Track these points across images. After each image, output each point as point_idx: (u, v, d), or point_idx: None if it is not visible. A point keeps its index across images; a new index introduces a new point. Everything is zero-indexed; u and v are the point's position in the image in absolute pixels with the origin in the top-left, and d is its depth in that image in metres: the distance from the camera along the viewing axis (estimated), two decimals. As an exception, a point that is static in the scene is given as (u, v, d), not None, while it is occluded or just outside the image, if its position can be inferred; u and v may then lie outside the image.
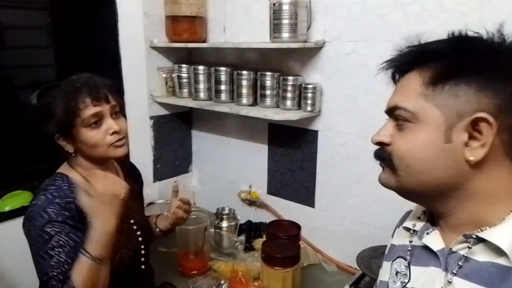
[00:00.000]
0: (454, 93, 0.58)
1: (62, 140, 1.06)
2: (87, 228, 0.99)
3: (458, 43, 0.62)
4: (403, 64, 0.66)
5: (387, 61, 0.69)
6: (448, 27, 0.67)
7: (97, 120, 1.04)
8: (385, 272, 0.78)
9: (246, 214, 1.83)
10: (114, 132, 1.06)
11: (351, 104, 1.47)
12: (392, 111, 0.65)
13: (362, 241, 1.47)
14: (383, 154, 0.66)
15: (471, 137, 0.58)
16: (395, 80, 0.70)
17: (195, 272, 1.51)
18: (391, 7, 1.30)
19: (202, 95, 1.77)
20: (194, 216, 1.61)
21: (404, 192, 0.66)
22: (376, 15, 1.34)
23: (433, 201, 0.65)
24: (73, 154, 1.08)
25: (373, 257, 1.37)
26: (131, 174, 1.32)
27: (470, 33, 0.63)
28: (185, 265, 1.53)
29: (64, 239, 0.98)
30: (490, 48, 0.60)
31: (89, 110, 1.02)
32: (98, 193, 0.97)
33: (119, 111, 1.11)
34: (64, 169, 1.12)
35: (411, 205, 0.85)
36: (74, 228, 1.01)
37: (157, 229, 1.35)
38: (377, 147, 0.69)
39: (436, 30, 0.68)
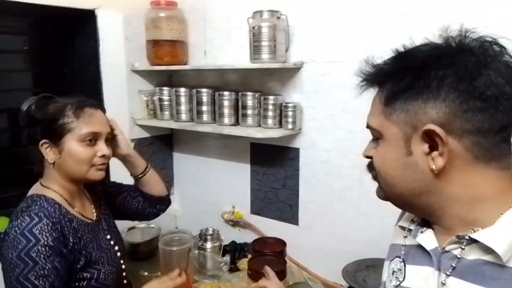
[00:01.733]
0: (405, 108, 0.61)
1: (47, 146, 1.05)
2: (69, 252, 1.00)
3: (400, 60, 0.65)
4: (370, 84, 0.68)
5: (361, 81, 0.71)
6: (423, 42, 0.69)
7: (92, 139, 1.07)
8: (385, 272, 0.79)
9: (230, 235, 1.82)
10: (103, 156, 1.08)
11: (330, 122, 1.52)
12: (369, 128, 0.69)
13: (346, 257, 1.48)
14: (372, 166, 0.69)
15: (432, 147, 0.59)
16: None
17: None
18: (365, 30, 1.38)
19: (183, 116, 1.78)
20: (178, 238, 1.59)
21: (392, 202, 0.69)
22: (350, 37, 1.41)
23: (418, 210, 0.68)
24: (51, 165, 1.06)
25: (357, 270, 1.38)
26: (100, 196, 1.28)
27: (413, 45, 0.66)
28: None
29: (48, 267, 0.95)
30: (434, 58, 0.60)
31: (91, 127, 1.06)
32: None
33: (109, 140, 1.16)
34: (37, 189, 1.08)
35: (392, 219, 0.88)
36: (59, 255, 0.98)
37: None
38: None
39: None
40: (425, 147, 0.59)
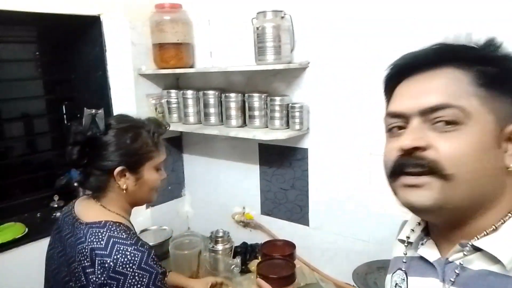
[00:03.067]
0: (508, 99, 0.58)
1: (125, 173, 1.03)
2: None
3: (499, 49, 0.59)
4: (430, 60, 0.60)
5: (421, 53, 0.62)
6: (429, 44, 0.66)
7: (162, 166, 1.11)
8: (387, 285, 0.78)
9: (241, 236, 1.82)
10: (163, 179, 1.14)
11: (338, 122, 1.49)
12: (433, 111, 0.57)
13: (357, 257, 1.47)
14: (424, 162, 0.57)
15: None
16: (391, 83, 0.66)
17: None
18: (370, 29, 1.34)
19: (191, 119, 1.79)
20: (188, 241, 1.60)
21: (444, 209, 0.58)
22: (356, 36, 1.38)
23: (461, 217, 0.59)
24: (124, 191, 1.05)
25: (368, 272, 1.36)
26: None
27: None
28: None
29: None
30: None
31: (163, 155, 1.11)
32: None
33: None
34: (107, 215, 1.04)
35: (402, 218, 0.86)
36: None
37: None
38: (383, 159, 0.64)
39: (416, 48, 0.66)
40: (510, 143, 0.57)
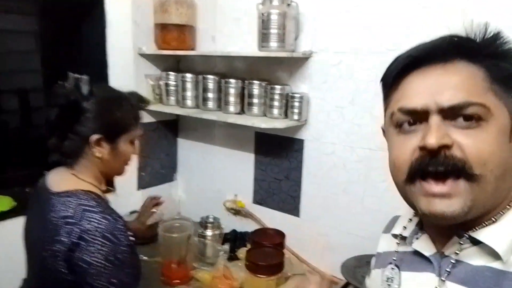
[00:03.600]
0: None
1: (101, 142, 1.02)
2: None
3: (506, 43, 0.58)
4: (445, 53, 0.58)
5: (412, 50, 0.61)
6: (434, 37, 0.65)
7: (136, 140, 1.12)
8: (377, 280, 0.77)
9: (231, 224, 1.82)
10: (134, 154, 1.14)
11: (337, 115, 1.48)
12: (455, 110, 0.55)
13: (346, 251, 1.47)
14: (451, 162, 0.53)
15: None
16: (400, 74, 0.61)
17: (178, 281, 1.47)
18: (378, 19, 1.33)
19: (189, 102, 1.77)
20: (178, 225, 1.59)
21: (472, 212, 0.55)
22: (363, 27, 1.37)
23: (482, 215, 0.58)
24: (98, 159, 1.04)
25: (357, 266, 1.36)
26: None
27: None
28: (167, 274, 1.50)
29: (133, 264, 0.99)
30: None
31: (140, 131, 1.12)
32: None
33: None
34: (78, 184, 1.03)
35: (397, 213, 0.86)
36: (133, 251, 1.01)
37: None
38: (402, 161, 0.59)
39: (422, 41, 0.64)
40: None
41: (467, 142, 0.53)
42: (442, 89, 0.56)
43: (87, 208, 0.96)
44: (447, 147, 0.54)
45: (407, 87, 0.60)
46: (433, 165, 0.55)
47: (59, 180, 1.05)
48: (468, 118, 0.54)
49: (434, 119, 0.55)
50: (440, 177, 0.55)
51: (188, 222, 1.62)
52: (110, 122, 1.03)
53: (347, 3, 1.39)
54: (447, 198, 0.54)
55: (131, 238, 1.00)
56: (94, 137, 1.01)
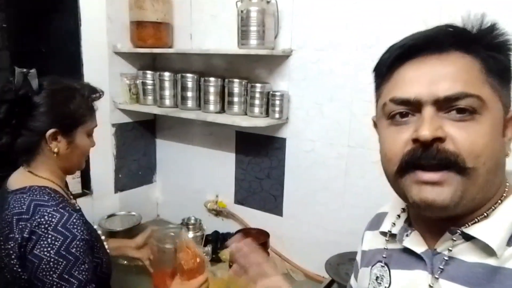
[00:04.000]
0: (508, 87, 0.58)
1: (57, 135, 1.00)
2: (90, 240, 0.98)
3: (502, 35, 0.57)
4: (441, 43, 0.56)
5: (407, 38, 0.59)
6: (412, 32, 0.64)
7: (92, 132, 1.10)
8: (365, 278, 0.75)
9: (212, 225, 1.79)
10: (92, 147, 1.12)
11: (317, 111, 1.48)
12: (450, 101, 0.54)
13: (329, 248, 1.47)
14: (444, 155, 0.53)
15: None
16: (394, 64, 0.60)
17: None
18: (354, 15, 1.34)
19: (167, 102, 1.73)
20: (173, 234, 1.49)
21: (462, 204, 0.55)
22: (341, 24, 1.37)
23: (473, 208, 0.57)
24: (55, 155, 1.01)
25: (340, 263, 1.36)
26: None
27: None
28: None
29: (88, 260, 0.94)
30: None
31: (95, 122, 1.10)
32: None
33: None
34: (34, 180, 1.01)
35: (376, 210, 0.85)
36: (90, 247, 0.98)
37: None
38: (397, 153, 0.58)
39: (399, 36, 0.63)
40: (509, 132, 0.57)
41: (460, 135, 0.53)
42: (438, 79, 0.55)
43: (39, 203, 0.94)
44: (440, 140, 0.53)
45: (400, 77, 0.59)
46: (425, 158, 0.54)
47: (16, 178, 1.04)
48: (461, 110, 0.53)
49: (428, 111, 0.54)
50: (433, 168, 0.54)
51: (182, 230, 1.53)
52: (64, 115, 1.00)
53: (324, 1, 1.39)
54: (438, 186, 0.54)
55: (88, 232, 0.97)
56: (50, 131, 0.98)
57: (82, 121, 1.04)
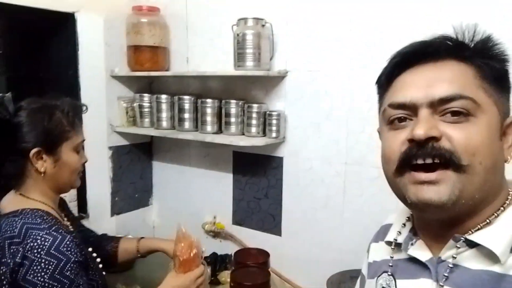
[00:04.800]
0: (505, 95, 0.60)
1: (42, 154, 0.99)
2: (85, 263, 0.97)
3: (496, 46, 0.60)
4: (436, 51, 0.59)
5: (429, 44, 0.61)
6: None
7: (80, 147, 1.07)
8: None
9: (211, 247, 1.76)
10: (85, 162, 1.11)
11: (314, 130, 1.51)
12: (444, 102, 0.55)
13: (329, 266, 1.46)
14: (439, 152, 0.54)
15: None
16: (394, 72, 0.63)
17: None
18: (348, 36, 1.38)
19: (164, 124, 1.74)
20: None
21: (460, 203, 0.55)
22: (335, 46, 1.41)
23: (473, 210, 0.58)
24: (42, 175, 1.00)
25: (342, 281, 1.36)
26: (64, 206, 1.24)
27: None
28: None
29: (82, 282, 0.93)
30: None
31: (81, 137, 1.07)
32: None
33: None
34: (24, 203, 1.00)
35: (377, 227, 0.86)
36: (85, 269, 0.96)
37: (137, 252, 1.32)
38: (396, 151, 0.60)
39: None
40: (509, 137, 0.59)
41: (456, 133, 0.54)
42: (434, 82, 0.57)
43: (31, 226, 0.92)
44: (435, 139, 0.55)
45: (398, 84, 0.62)
46: (420, 157, 0.55)
47: (7, 201, 1.02)
48: (456, 113, 0.55)
49: (423, 112, 0.57)
50: (428, 166, 0.55)
51: (203, 263, 1.47)
52: (45, 132, 0.99)
53: (319, 23, 1.44)
54: (435, 185, 0.55)
55: (82, 254, 0.95)
56: (34, 150, 0.97)
57: (65, 137, 1.02)
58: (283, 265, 1.63)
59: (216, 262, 1.68)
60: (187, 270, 1.12)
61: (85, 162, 1.11)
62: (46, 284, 0.87)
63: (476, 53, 0.59)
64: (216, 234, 1.81)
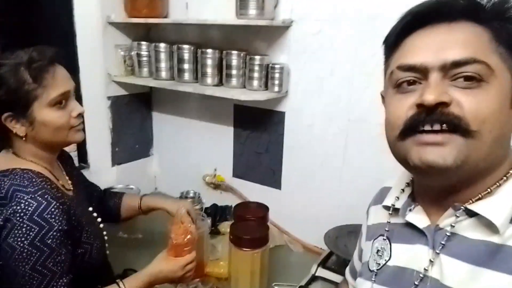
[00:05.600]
0: None
1: (12, 120, 0.92)
2: (73, 230, 0.94)
3: None
4: (451, 12, 0.56)
5: (418, 6, 0.58)
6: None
7: (63, 100, 0.95)
8: (367, 252, 0.76)
9: (211, 198, 1.79)
10: (79, 114, 0.99)
11: (317, 86, 1.46)
12: (456, 66, 0.53)
13: (327, 221, 1.48)
14: (448, 118, 0.53)
15: None
16: (403, 32, 0.60)
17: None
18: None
19: (163, 74, 1.69)
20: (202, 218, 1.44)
21: (464, 168, 0.54)
22: (343, -5, 1.33)
23: (475, 179, 0.57)
24: (23, 139, 0.94)
25: (339, 236, 1.39)
26: (67, 162, 1.19)
27: None
28: None
29: (64, 252, 0.90)
30: None
31: (58, 89, 0.93)
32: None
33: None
34: (15, 162, 0.95)
35: (374, 186, 0.85)
36: (70, 237, 0.93)
37: (139, 209, 1.32)
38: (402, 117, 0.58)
39: (406, 8, 0.61)
40: None
41: (466, 100, 0.52)
42: (446, 45, 0.54)
43: (18, 188, 0.88)
44: (445, 104, 0.53)
45: (408, 45, 0.59)
46: (428, 122, 0.54)
47: (0, 160, 0.98)
48: (469, 78, 0.53)
49: (434, 76, 0.54)
50: (435, 132, 0.54)
51: (203, 218, 1.46)
52: (9, 96, 0.90)
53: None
54: (441, 146, 0.53)
55: (70, 221, 0.93)
56: (3, 117, 0.91)
57: (33, 96, 0.91)
58: (282, 218, 1.66)
59: (216, 213, 1.72)
60: (178, 255, 1.09)
61: (80, 113, 0.99)
62: (25, 250, 0.85)
63: (493, 15, 0.55)
64: (217, 186, 1.83)
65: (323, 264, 1.33)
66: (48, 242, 0.86)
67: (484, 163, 0.55)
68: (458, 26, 0.55)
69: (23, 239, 0.85)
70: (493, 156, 0.55)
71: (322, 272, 1.29)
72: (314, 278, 1.30)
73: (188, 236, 1.11)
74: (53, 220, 0.87)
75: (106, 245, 1.15)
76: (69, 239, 0.93)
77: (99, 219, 1.14)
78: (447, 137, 0.53)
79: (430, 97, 0.53)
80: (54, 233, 0.87)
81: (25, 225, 0.85)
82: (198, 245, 1.32)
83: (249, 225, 1.31)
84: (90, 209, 1.13)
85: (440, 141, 0.53)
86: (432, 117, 0.53)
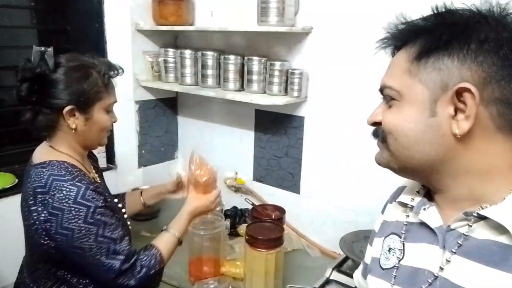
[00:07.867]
0: (437, 67, 0.57)
1: (74, 112, 1.02)
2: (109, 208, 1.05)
3: (442, 16, 0.60)
4: (395, 42, 0.66)
5: (382, 39, 0.68)
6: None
7: (112, 107, 1.12)
8: (377, 248, 0.77)
9: (231, 201, 1.83)
10: (114, 121, 1.15)
11: (336, 90, 1.47)
12: (382, 91, 0.66)
13: (344, 226, 1.49)
14: (378, 131, 0.67)
15: (456, 110, 0.57)
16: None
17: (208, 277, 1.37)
18: (377, -6, 1.30)
19: (188, 79, 1.75)
20: (212, 221, 1.46)
21: (396, 168, 0.66)
22: (363, 2, 1.34)
23: (426, 177, 0.65)
24: (74, 131, 1.04)
25: (355, 241, 1.38)
26: (94, 159, 1.31)
27: (458, 6, 0.61)
28: (197, 275, 1.40)
29: (114, 221, 1.03)
30: (477, 20, 0.57)
31: (113, 98, 1.11)
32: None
33: None
34: (53, 155, 1.05)
35: (393, 191, 0.86)
36: (112, 210, 1.06)
37: (142, 203, 1.41)
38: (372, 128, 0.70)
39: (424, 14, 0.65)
40: (451, 109, 0.57)
41: (384, 116, 0.65)
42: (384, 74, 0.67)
43: (56, 177, 0.98)
44: (377, 122, 0.67)
45: None
46: (372, 133, 0.71)
47: (39, 152, 1.08)
48: (389, 99, 0.64)
49: (382, 100, 0.67)
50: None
51: (220, 217, 1.50)
52: (80, 92, 1.01)
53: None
54: (379, 150, 0.69)
55: (107, 201, 1.04)
56: (67, 108, 1.01)
57: (99, 97, 1.05)
58: (300, 222, 1.67)
59: (236, 215, 1.75)
60: (206, 192, 1.26)
61: (115, 121, 1.14)
62: (83, 229, 0.96)
63: (406, 36, 0.64)
64: (237, 189, 1.87)
65: (338, 268, 1.33)
66: (98, 217, 0.99)
67: (412, 162, 0.63)
68: (399, 52, 0.65)
69: (76, 219, 0.96)
70: (418, 157, 0.62)
71: (337, 276, 1.29)
72: (328, 282, 1.30)
73: (212, 176, 1.27)
74: (94, 199, 0.99)
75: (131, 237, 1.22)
76: (112, 211, 1.05)
77: (123, 210, 1.23)
78: (379, 144, 0.68)
79: (368, 119, 0.69)
80: (100, 209, 0.99)
81: (73, 208, 0.96)
82: (214, 244, 1.37)
83: (264, 226, 1.33)
84: (116, 200, 1.22)
85: (378, 145, 0.69)
86: (372, 131, 0.70)
